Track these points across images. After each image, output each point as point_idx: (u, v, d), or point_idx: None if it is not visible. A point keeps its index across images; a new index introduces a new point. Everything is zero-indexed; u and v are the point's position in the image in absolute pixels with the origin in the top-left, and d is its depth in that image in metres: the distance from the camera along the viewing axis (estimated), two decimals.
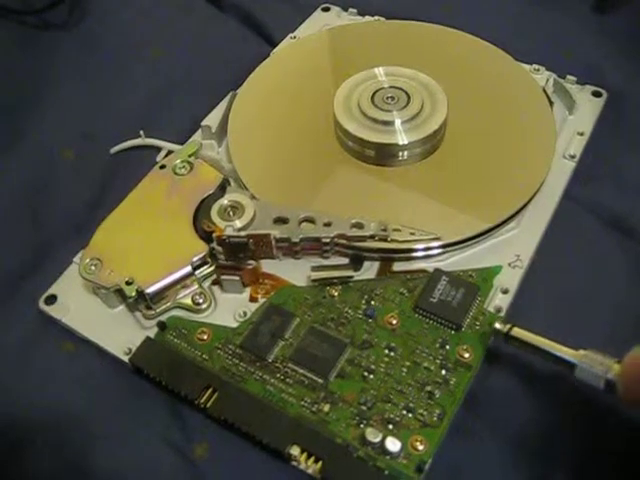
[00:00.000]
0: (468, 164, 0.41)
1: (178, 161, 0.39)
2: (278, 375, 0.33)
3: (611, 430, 0.32)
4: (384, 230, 0.36)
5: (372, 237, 0.36)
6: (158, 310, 0.36)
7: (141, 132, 0.44)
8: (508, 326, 0.33)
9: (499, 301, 0.35)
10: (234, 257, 0.36)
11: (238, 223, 0.36)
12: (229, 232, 0.35)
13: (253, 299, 0.36)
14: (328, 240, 0.36)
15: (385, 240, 0.36)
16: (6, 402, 0.34)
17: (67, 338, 0.36)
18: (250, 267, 0.36)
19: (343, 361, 0.34)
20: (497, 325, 0.33)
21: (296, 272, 0.37)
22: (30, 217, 0.42)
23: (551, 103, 0.43)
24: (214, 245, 0.35)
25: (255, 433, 0.31)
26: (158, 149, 0.44)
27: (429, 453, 0.31)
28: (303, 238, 0.36)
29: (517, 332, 0.32)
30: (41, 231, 0.41)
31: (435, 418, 0.32)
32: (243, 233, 0.36)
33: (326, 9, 0.53)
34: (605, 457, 0.31)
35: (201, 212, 0.37)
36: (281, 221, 0.37)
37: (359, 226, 0.36)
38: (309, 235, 0.36)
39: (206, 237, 0.36)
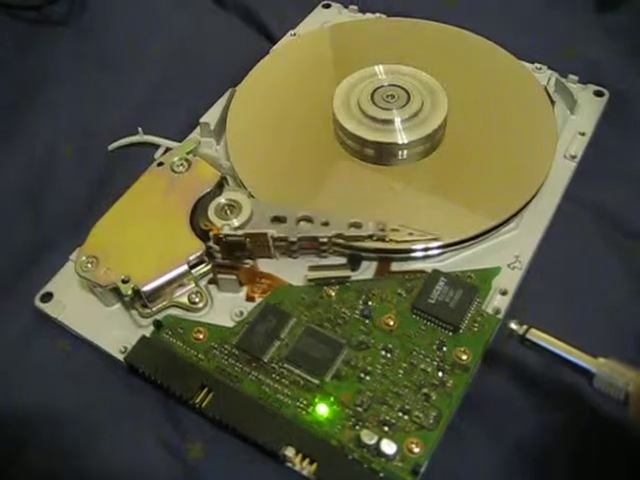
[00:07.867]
0: (468, 164, 0.40)
1: (176, 158, 0.39)
2: (274, 375, 0.33)
3: (611, 437, 0.31)
4: (382, 230, 0.36)
5: (370, 237, 0.36)
6: (154, 309, 0.35)
7: (139, 129, 0.44)
8: (525, 327, 0.31)
9: (498, 302, 0.35)
10: (231, 256, 0.36)
11: (235, 222, 0.36)
12: (226, 231, 0.35)
13: (250, 298, 0.36)
14: (326, 240, 0.36)
15: (383, 240, 0.36)
16: (0, 399, 0.34)
17: (62, 336, 0.36)
18: (247, 266, 0.36)
19: (339, 362, 0.33)
20: (513, 325, 0.31)
21: (293, 272, 0.37)
22: (27, 214, 0.42)
23: (552, 102, 0.43)
24: (211, 244, 0.35)
25: (250, 434, 0.31)
26: (156, 146, 0.44)
27: (425, 456, 0.30)
28: (301, 237, 0.36)
29: (534, 334, 0.31)
30: (38, 228, 0.41)
31: (431, 420, 0.31)
32: (240, 232, 0.35)
33: (327, 6, 0.52)
34: (604, 464, 0.31)
35: (198, 210, 0.37)
36: (278, 220, 0.36)
37: (357, 226, 0.36)
38: (307, 234, 0.36)
39: (203, 235, 0.36)
